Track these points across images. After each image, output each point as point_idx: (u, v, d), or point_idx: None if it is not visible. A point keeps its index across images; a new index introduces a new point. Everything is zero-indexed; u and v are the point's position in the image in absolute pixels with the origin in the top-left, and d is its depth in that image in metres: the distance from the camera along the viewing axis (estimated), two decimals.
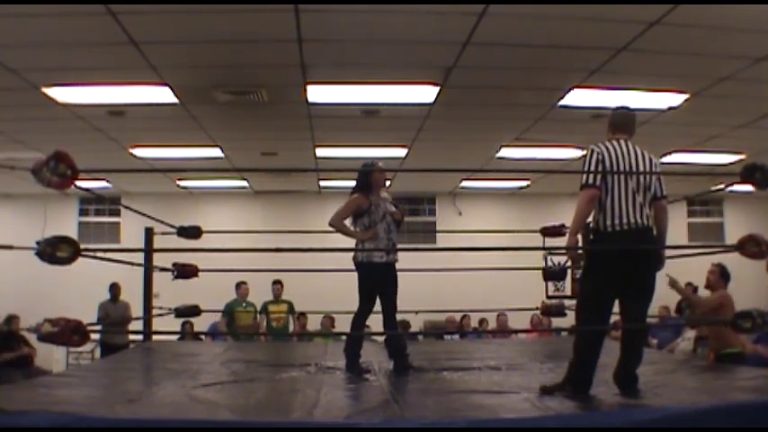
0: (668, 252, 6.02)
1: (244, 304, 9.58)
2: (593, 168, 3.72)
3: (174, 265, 6.45)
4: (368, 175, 5.22)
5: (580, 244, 4.04)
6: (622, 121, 3.98)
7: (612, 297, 3.79)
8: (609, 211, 3.72)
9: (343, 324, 9.03)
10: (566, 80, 6.69)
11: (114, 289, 9.92)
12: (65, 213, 12.56)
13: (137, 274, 6.74)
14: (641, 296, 3.85)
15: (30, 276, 9.53)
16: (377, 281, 5.10)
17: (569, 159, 9.86)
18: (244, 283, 9.54)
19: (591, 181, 3.73)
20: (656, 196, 3.85)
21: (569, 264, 5.66)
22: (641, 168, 3.76)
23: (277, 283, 9.63)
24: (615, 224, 3.71)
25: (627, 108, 4.10)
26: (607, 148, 3.78)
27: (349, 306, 8.33)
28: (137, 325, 7.09)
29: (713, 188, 11.38)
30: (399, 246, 4.87)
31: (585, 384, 3.74)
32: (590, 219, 3.86)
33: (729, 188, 8.48)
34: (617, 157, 3.74)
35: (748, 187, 4.35)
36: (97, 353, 10.32)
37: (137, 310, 6.80)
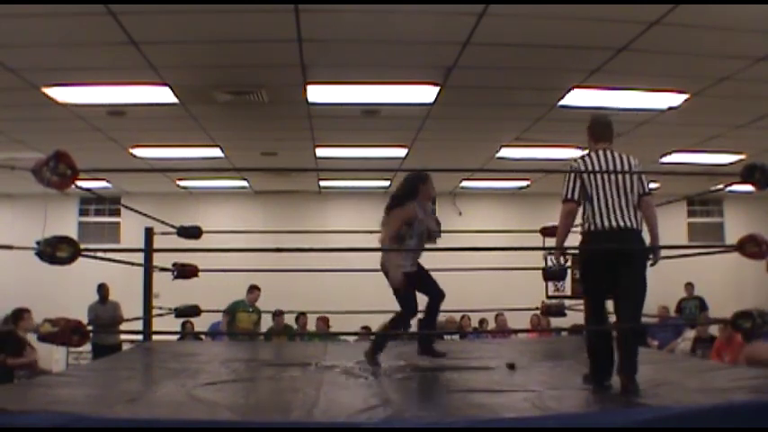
0: (668, 252, 6.04)
1: (251, 309, 9.57)
2: (570, 184, 3.99)
3: (174, 265, 6.45)
4: (418, 184, 5.23)
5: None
6: (601, 130, 4.17)
7: (602, 294, 4.01)
8: (591, 216, 3.95)
9: (342, 324, 9.09)
10: (566, 80, 6.69)
11: (102, 290, 9.91)
12: (65, 213, 12.56)
13: (137, 274, 6.74)
14: (628, 294, 3.92)
15: (30, 276, 9.53)
16: (411, 287, 5.16)
17: (569, 159, 9.84)
18: (257, 288, 9.50)
19: (569, 195, 4.00)
20: (641, 194, 3.98)
21: (569, 264, 5.74)
22: (625, 177, 3.94)
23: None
24: (598, 226, 3.91)
25: (603, 116, 4.29)
26: (584, 161, 4.03)
27: (349, 306, 8.37)
28: (137, 325, 7.08)
29: (713, 188, 11.38)
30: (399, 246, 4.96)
31: (601, 377, 3.91)
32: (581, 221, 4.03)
33: (729, 188, 8.48)
34: (594, 167, 3.97)
35: (748, 187, 4.36)
36: None
37: (136, 310, 6.80)
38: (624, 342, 3.87)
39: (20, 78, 6.32)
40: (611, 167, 3.97)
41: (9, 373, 7.24)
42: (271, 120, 8.12)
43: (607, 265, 3.88)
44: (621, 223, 3.88)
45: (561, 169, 11.22)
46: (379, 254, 5.26)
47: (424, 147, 9.32)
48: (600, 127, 4.18)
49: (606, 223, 3.88)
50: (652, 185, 4.11)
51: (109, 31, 5.25)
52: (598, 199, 3.91)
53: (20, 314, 7.67)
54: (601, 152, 4.04)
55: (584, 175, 3.96)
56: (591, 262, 3.98)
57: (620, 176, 3.92)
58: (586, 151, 4.18)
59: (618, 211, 3.89)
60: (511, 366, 4.79)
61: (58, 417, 2.93)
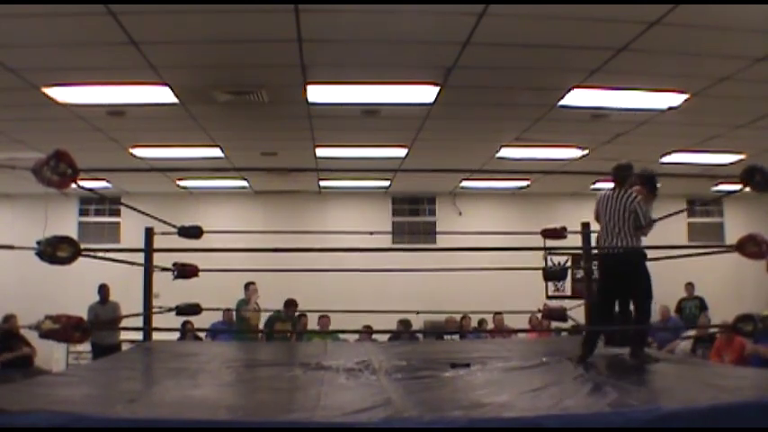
0: (668, 252, 6.05)
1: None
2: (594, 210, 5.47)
3: (175, 264, 6.44)
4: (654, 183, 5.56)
5: None
6: (616, 175, 5.30)
7: (612, 292, 5.31)
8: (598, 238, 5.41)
9: (342, 324, 9.09)
10: (566, 80, 6.69)
11: (103, 291, 9.89)
12: (65, 213, 12.57)
13: (137, 275, 6.74)
14: (627, 290, 5.28)
15: (30, 276, 9.54)
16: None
17: (569, 159, 9.86)
18: (252, 283, 9.46)
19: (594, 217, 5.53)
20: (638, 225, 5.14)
21: (569, 264, 6.22)
22: (619, 207, 5.14)
23: (291, 304, 9.49)
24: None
25: (623, 163, 5.34)
26: (601, 197, 5.36)
27: (348, 305, 8.37)
28: (136, 324, 7.08)
29: (713, 188, 11.38)
30: (399, 246, 4.96)
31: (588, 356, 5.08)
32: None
33: (728, 187, 8.48)
34: (604, 202, 5.28)
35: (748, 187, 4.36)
36: None
37: (137, 310, 6.79)
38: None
39: (20, 78, 6.32)
40: (611, 203, 5.18)
41: None
42: (271, 120, 8.12)
43: (609, 271, 5.31)
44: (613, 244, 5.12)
45: (561, 169, 11.22)
46: None
47: (424, 147, 9.32)
48: (614, 172, 5.30)
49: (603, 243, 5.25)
50: None
51: (109, 31, 5.25)
52: (602, 226, 5.27)
53: None
54: (610, 192, 5.25)
55: (599, 205, 5.33)
56: (601, 272, 5.52)
57: (615, 208, 5.15)
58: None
59: (612, 237, 5.12)
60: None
61: (58, 417, 2.93)
